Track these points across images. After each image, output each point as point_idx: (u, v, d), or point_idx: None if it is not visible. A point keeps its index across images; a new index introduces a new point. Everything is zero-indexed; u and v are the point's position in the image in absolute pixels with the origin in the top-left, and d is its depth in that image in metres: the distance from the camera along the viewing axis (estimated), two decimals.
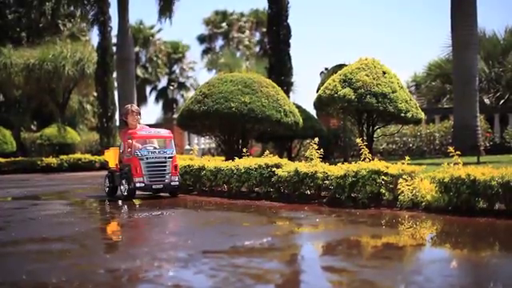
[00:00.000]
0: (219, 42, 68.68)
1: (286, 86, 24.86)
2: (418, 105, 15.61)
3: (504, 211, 7.87)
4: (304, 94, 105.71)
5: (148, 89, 66.11)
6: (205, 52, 68.02)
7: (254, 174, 11.24)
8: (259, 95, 15.54)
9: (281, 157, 14.57)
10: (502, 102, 32.67)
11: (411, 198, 8.82)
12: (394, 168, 9.29)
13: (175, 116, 30.98)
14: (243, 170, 11.45)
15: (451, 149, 8.85)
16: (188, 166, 13.01)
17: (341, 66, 18.55)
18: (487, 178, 7.86)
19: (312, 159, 10.66)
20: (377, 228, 7.63)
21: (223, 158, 15.71)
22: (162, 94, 66.51)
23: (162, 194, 12.28)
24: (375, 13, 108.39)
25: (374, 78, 14.49)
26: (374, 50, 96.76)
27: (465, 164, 8.74)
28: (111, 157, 13.17)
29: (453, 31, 24.40)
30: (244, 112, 15.16)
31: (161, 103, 67.92)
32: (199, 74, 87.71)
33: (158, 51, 63.49)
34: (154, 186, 11.88)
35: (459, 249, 6.32)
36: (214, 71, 57.55)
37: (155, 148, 12.18)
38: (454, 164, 8.57)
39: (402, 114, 14.53)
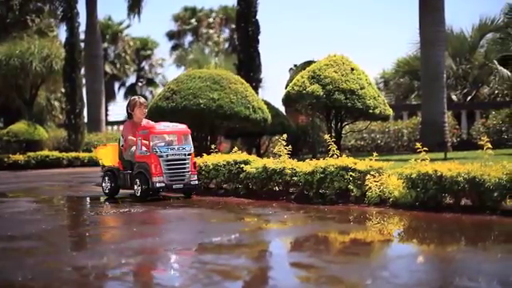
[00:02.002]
0: (188, 39, 68.40)
1: (255, 83, 24.80)
2: (386, 101, 15.69)
3: (470, 207, 7.94)
4: (273, 91, 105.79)
5: (117, 85, 65.62)
6: (174, 48, 67.68)
7: (222, 170, 11.23)
8: (228, 92, 15.52)
9: (249, 153, 14.58)
10: (469, 98, 32.97)
11: (379, 194, 8.87)
12: (361, 164, 9.32)
13: None
14: (211, 167, 11.43)
15: (418, 145, 8.89)
16: None
17: (309, 63, 18.58)
18: (454, 174, 7.93)
19: (280, 155, 10.66)
20: (344, 224, 7.66)
21: None
22: (130, 91, 66.01)
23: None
24: (344, 9, 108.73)
25: (342, 75, 14.54)
26: (343, 47, 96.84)
27: (432, 160, 8.79)
28: (107, 154, 12.15)
29: (421, 28, 24.59)
30: (212, 108, 15.12)
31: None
32: (168, 70, 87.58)
33: (126, 47, 63.09)
34: (174, 186, 10.80)
35: (426, 244, 6.36)
36: (182, 67, 57.34)
37: (169, 144, 10.95)
38: (422, 160, 8.62)
39: (370, 111, 14.60)
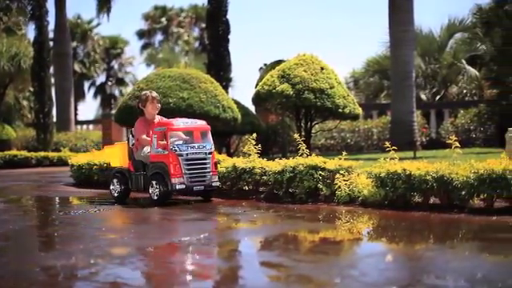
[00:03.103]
0: (158, 37, 68.16)
1: (225, 82, 24.83)
2: (355, 100, 15.77)
3: (438, 205, 8.01)
4: (243, 90, 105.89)
5: (86, 84, 65.07)
6: (144, 47, 67.42)
7: None
8: (197, 91, 15.53)
9: (219, 153, 14.56)
10: (438, 97, 33.23)
11: (348, 193, 8.90)
12: (331, 163, 9.35)
13: (114, 112, 30.71)
14: None
15: (388, 144, 8.95)
16: None
17: (279, 62, 18.64)
18: (422, 173, 7.99)
19: (250, 155, 10.66)
20: (314, 223, 7.68)
21: None
22: (100, 90, 65.63)
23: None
24: (315, 8, 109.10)
25: (312, 74, 14.58)
26: (313, 46, 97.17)
27: (401, 159, 8.85)
28: (115, 154, 11.19)
29: (390, 28, 24.71)
30: (182, 108, 15.12)
31: (99, 99, 67.12)
32: (138, 69, 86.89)
33: (96, 46, 62.68)
34: (194, 188, 9.77)
35: (395, 243, 6.40)
36: (153, 66, 57.19)
37: (185, 141, 9.92)
38: (391, 159, 8.68)
39: (340, 110, 14.66)
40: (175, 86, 15.42)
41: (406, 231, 6.95)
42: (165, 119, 10.41)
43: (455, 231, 6.81)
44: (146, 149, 10.15)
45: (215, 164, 10.08)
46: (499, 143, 18.21)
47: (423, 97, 33.23)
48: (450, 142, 8.40)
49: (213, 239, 6.66)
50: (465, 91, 34.27)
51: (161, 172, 9.68)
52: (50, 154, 27.81)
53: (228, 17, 26.61)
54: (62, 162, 24.50)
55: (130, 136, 10.59)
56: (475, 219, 7.28)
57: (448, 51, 35.19)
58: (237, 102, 18.84)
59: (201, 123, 10.29)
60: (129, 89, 48.32)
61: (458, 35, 35.81)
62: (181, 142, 9.82)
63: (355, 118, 16.32)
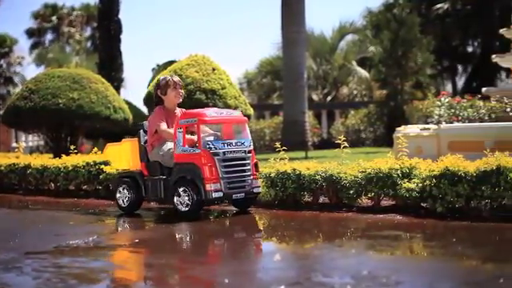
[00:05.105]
0: (49, 37, 66.77)
1: (117, 82, 24.63)
2: (247, 101, 15.84)
3: (328, 204, 8.13)
4: (137, 91, 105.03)
5: None
6: (34, 46, 65.88)
7: (81, 171, 10.96)
8: (88, 91, 15.28)
9: None
10: (329, 98, 33.84)
11: None
12: None
13: (1, 112, 29.84)
14: (71, 168, 11.15)
15: (278, 144, 9.02)
16: (13, 164, 12.48)
17: (172, 63, 18.57)
18: (312, 173, 8.10)
19: None
20: (205, 224, 7.64)
21: (51, 156, 15.29)
22: None
23: None
24: (210, 9, 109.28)
25: (203, 75, 14.55)
26: (207, 47, 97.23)
27: (293, 159, 8.96)
28: (120, 154, 9.25)
29: (283, 29, 25.00)
30: (72, 108, 14.84)
31: None
32: (27, 69, 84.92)
33: None
34: (234, 196, 7.86)
35: (284, 242, 6.45)
36: (43, 66, 55.99)
37: (216, 136, 7.97)
38: (281, 159, 8.75)
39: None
40: (65, 87, 15.13)
41: (295, 230, 7.00)
42: (191, 110, 8.39)
43: (343, 230, 6.92)
44: (166, 146, 8.16)
45: (256, 165, 8.21)
46: (388, 143, 18.71)
47: (315, 97, 33.80)
48: (338, 141, 8.53)
49: (102, 242, 6.55)
50: (355, 92, 35.10)
51: (190, 176, 7.69)
52: None
53: (120, 16, 26.40)
54: None
55: (141, 131, 8.61)
56: (363, 217, 7.42)
57: (339, 53, 35.96)
58: (128, 103, 18.69)
59: (237, 114, 8.42)
60: (18, 89, 47.15)
61: (348, 37, 36.67)
62: (211, 137, 7.85)
63: (247, 118, 16.41)
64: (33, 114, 15.05)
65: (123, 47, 26.28)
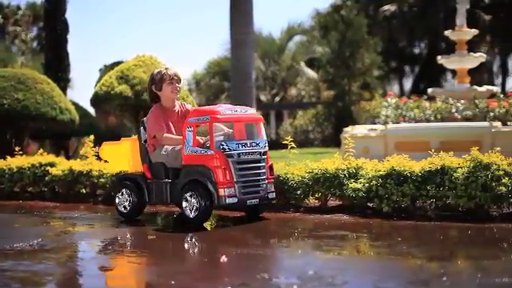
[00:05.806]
0: None
1: (63, 83, 24.31)
2: (195, 102, 15.82)
3: (275, 205, 8.08)
4: (84, 91, 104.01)
5: None
6: None
7: (26, 173, 10.78)
8: (34, 92, 15.06)
9: (58, 155, 14.20)
10: (277, 99, 33.95)
11: None
12: None
13: None
14: (15, 170, 10.97)
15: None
16: None
17: (119, 63, 18.45)
18: None
19: (88, 157, 10.43)
20: (152, 224, 7.60)
21: None
22: None
23: None
24: (157, 9, 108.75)
25: None
26: (156, 47, 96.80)
27: None
28: (119, 154, 8.52)
29: (231, 29, 24.97)
30: (17, 109, 14.62)
31: None
32: None
33: None
34: (248, 202, 7.17)
35: (227, 245, 6.42)
36: None
37: (228, 136, 7.25)
38: None
39: None
40: (10, 87, 14.89)
41: (242, 232, 6.99)
42: (197, 107, 7.55)
43: (290, 230, 6.93)
44: (169, 145, 7.57)
45: (271, 168, 7.56)
46: (336, 143, 18.85)
47: (263, 98, 33.90)
48: (285, 142, 8.55)
49: (47, 244, 6.45)
50: (303, 93, 35.27)
51: (201, 180, 7.00)
52: None
53: (67, 16, 26.08)
54: None
55: (142, 129, 7.84)
56: (310, 218, 7.46)
57: (287, 53, 36.13)
58: (75, 104, 18.51)
59: (252, 112, 7.60)
60: None
61: (297, 38, 36.86)
62: (222, 137, 7.14)
63: None
64: None
65: (70, 48, 25.99)
